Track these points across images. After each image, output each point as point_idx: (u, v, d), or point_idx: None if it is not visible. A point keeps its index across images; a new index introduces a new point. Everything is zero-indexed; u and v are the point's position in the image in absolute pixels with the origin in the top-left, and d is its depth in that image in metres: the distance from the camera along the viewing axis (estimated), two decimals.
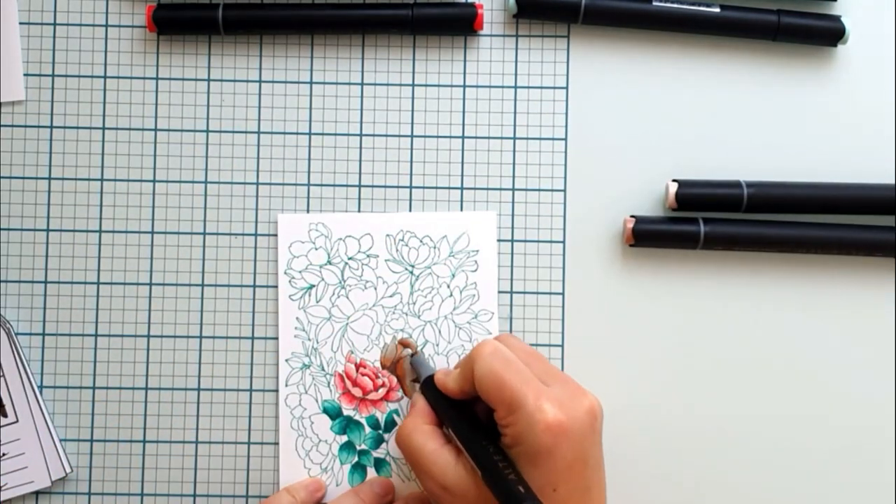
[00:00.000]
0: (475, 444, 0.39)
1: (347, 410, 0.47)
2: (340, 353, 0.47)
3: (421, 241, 0.47)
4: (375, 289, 0.47)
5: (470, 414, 0.42)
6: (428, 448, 0.40)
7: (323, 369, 0.47)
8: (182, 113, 0.48)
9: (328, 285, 0.47)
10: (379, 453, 0.47)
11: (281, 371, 0.47)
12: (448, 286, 0.47)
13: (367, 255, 0.47)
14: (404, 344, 0.47)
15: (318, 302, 0.47)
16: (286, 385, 0.47)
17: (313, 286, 0.47)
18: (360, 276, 0.47)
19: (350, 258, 0.47)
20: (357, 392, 0.47)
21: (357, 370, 0.47)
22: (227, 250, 0.47)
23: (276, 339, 0.47)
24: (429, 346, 0.47)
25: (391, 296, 0.47)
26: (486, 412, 0.41)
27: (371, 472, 0.47)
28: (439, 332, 0.47)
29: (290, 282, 0.47)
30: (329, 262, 0.47)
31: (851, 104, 0.48)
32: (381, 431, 0.47)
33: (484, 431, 0.40)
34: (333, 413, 0.47)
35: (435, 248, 0.47)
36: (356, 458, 0.47)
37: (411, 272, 0.47)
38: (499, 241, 0.47)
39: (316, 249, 0.47)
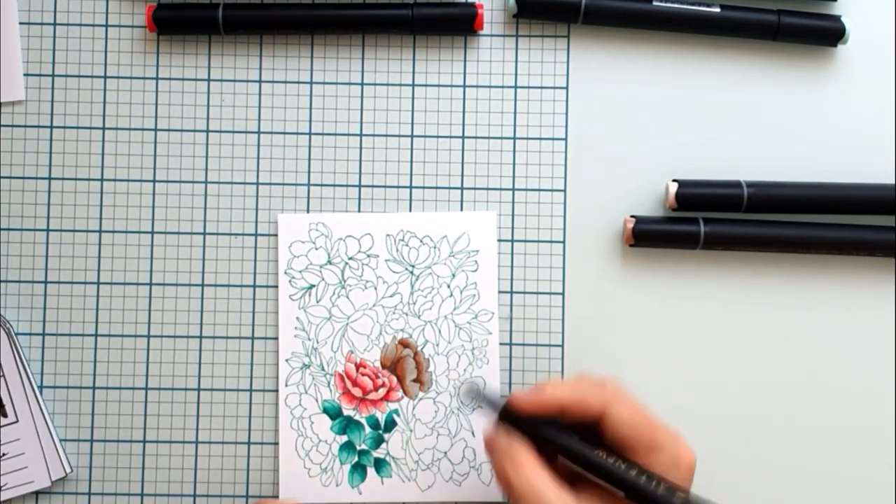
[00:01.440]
0: (611, 464, 0.37)
1: (347, 410, 0.47)
2: (340, 352, 0.47)
3: (421, 241, 0.47)
4: (375, 289, 0.47)
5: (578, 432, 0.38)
6: (550, 494, 0.36)
7: (323, 369, 0.47)
8: (182, 113, 0.48)
9: (328, 285, 0.47)
10: (379, 453, 0.47)
11: (281, 371, 0.47)
12: (448, 286, 0.47)
13: (368, 255, 0.47)
14: (404, 344, 0.47)
15: (318, 302, 0.47)
16: (286, 385, 0.47)
17: (313, 286, 0.47)
18: (360, 276, 0.47)
19: (350, 258, 0.47)
20: (357, 392, 0.47)
21: (357, 370, 0.47)
22: (227, 250, 0.47)
23: (276, 339, 0.47)
24: (429, 346, 0.47)
25: (391, 296, 0.47)
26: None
27: (371, 472, 0.47)
28: (439, 331, 0.47)
29: (290, 282, 0.47)
30: (329, 262, 0.47)
31: (851, 104, 0.48)
32: (381, 431, 0.47)
33: (602, 448, 0.38)
34: (333, 413, 0.47)
35: (435, 248, 0.47)
36: (356, 458, 0.47)
37: (411, 272, 0.47)
38: (499, 241, 0.47)
39: (316, 249, 0.47)
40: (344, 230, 0.47)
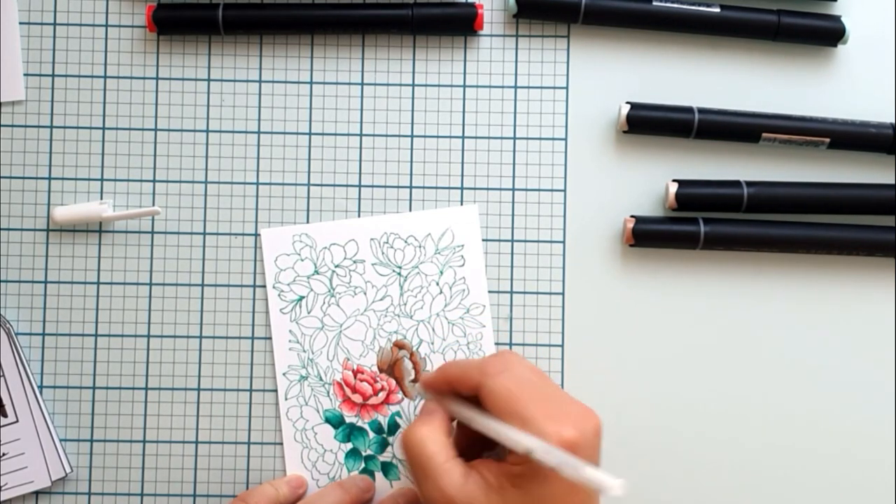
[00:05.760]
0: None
1: (350, 418, 0.47)
2: (336, 361, 0.47)
3: (406, 242, 0.47)
4: (365, 293, 0.47)
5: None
6: (441, 458, 0.40)
7: (321, 379, 0.47)
8: (182, 113, 0.48)
9: (318, 295, 0.47)
10: (385, 457, 0.47)
11: (279, 385, 0.47)
12: (437, 283, 0.47)
13: (354, 261, 0.47)
14: (399, 346, 0.47)
15: (309, 313, 0.47)
16: (286, 399, 0.47)
17: (303, 297, 0.47)
18: (348, 282, 0.47)
19: (337, 266, 0.47)
20: (357, 398, 0.47)
21: (355, 376, 0.47)
22: (227, 250, 0.47)
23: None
24: (424, 346, 0.47)
25: (381, 299, 0.47)
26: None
27: (380, 477, 0.47)
28: (433, 330, 0.47)
29: (279, 295, 0.47)
30: (316, 272, 0.47)
31: (851, 104, 0.48)
32: (384, 435, 0.47)
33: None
34: (336, 422, 0.47)
35: (420, 246, 0.47)
36: (363, 465, 0.47)
37: (399, 273, 0.47)
38: (499, 241, 0.47)
39: (302, 261, 0.47)
40: (328, 239, 0.47)
